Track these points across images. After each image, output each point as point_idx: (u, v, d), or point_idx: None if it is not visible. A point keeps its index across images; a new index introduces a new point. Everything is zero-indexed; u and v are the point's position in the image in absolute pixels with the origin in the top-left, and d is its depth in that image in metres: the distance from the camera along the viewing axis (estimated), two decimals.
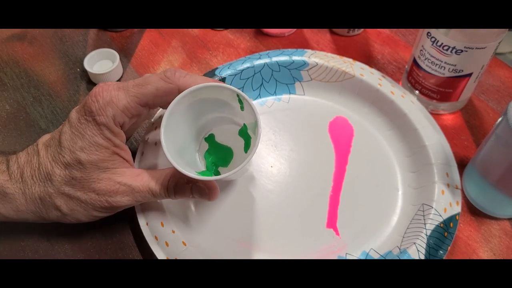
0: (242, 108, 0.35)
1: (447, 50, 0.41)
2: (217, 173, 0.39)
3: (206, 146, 0.40)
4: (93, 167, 0.34)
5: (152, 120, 0.45)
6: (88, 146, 0.34)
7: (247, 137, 0.39)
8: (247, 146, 0.39)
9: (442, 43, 0.41)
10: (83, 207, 0.35)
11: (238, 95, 0.34)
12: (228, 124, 0.39)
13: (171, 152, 0.33)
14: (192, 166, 0.38)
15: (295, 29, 0.57)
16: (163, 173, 0.36)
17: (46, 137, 0.37)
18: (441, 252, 0.36)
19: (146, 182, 0.35)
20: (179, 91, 0.34)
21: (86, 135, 0.34)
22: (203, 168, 0.40)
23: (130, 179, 0.35)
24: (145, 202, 0.38)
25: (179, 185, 0.35)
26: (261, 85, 0.48)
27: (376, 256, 0.38)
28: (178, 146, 0.36)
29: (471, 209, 0.42)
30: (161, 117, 0.44)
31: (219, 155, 0.40)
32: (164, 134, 0.33)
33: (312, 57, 0.48)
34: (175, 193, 0.36)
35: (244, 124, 0.38)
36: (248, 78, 0.47)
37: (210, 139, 0.40)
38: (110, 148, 0.35)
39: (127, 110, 0.34)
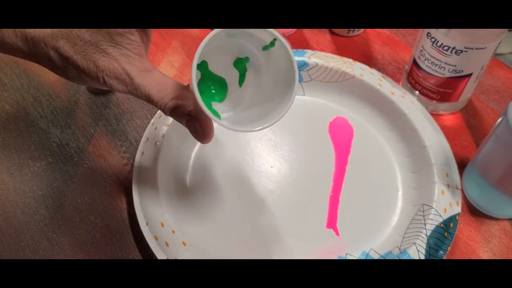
0: (266, 47, 0.32)
1: (447, 50, 0.41)
2: (212, 108, 0.34)
3: (198, 74, 0.34)
4: (106, 35, 0.30)
5: (152, 120, 0.45)
6: None
7: (243, 69, 0.35)
8: (241, 79, 0.35)
9: (442, 44, 0.41)
10: (77, 70, 0.31)
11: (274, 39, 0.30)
12: (224, 52, 0.34)
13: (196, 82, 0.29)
14: None
15: (295, 29, 0.57)
16: (169, 86, 0.32)
17: None
18: (441, 252, 0.36)
19: (149, 86, 0.31)
20: None
21: None
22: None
23: (137, 72, 0.31)
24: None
25: (178, 111, 0.32)
26: None
27: (376, 256, 0.38)
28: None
29: (471, 209, 0.42)
30: (161, 118, 0.44)
31: (212, 86, 0.35)
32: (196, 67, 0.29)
33: (312, 57, 0.48)
34: (170, 114, 0.32)
35: (246, 57, 0.34)
36: None
37: (203, 67, 0.35)
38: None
39: None
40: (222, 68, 0.34)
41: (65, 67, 0.31)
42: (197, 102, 0.29)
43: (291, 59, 0.30)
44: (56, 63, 0.31)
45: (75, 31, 0.30)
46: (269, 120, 0.31)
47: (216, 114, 0.32)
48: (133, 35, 0.31)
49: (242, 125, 0.31)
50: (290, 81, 0.31)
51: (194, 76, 0.29)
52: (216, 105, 0.34)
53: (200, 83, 0.34)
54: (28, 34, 0.30)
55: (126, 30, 0.30)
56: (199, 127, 0.32)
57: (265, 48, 0.32)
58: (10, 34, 0.31)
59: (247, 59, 0.34)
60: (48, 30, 0.30)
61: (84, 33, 0.30)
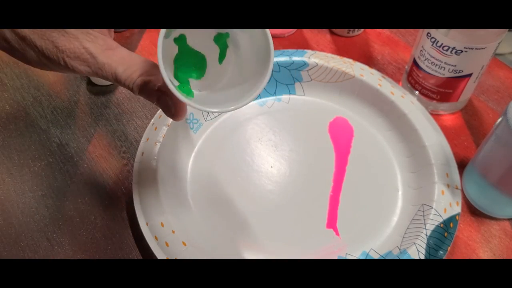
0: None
1: (447, 50, 0.41)
2: (188, 85, 0.33)
3: (175, 49, 0.32)
4: None
5: (152, 120, 0.45)
6: None
7: (223, 45, 0.33)
8: (222, 56, 0.33)
9: (442, 44, 0.41)
10: (35, 52, 0.29)
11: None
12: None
13: (164, 61, 0.27)
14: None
15: (295, 30, 0.57)
16: (135, 63, 0.30)
17: None
18: (441, 252, 0.36)
19: (115, 64, 0.29)
20: None
21: None
22: (172, 78, 0.32)
23: (99, 51, 0.29)
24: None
25: (147, 88, 0.30)
26: None
27: (376, 256, 0.38)
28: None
29: (471, 210, 0.42)
30: (161, 118, 0.44)
31: (190, 62, 0.33)
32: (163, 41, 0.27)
33: (312, 57, 0.48)
34: (139, 92, 0.30)
35: (226, 32, 0.32)
36: None
37: (180, 41, 0.32)
38: None
39: None
40: (202, 43, 0.32)
41: (23, 49, 0.29)
42: (163, 78, 0.27)
43: (268, 39, 0.29)
44: (13, 45, 0.29)
45: None
46: (242, 101, 0.29)
47: (188, 92, 0.31)
48: None
49: (216, 105, 0.30)
50: (266, 61, 0.29)
51: (160, 48, 0.27)
52: (193, 82, 0.32)
53: (177, 59, 0.32)
54: None
55: None
56: (170, 102, 0.30)
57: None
58: None
59: (227, 34, 0.32)
60: None
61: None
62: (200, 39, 0.32)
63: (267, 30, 0.29)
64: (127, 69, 0.30)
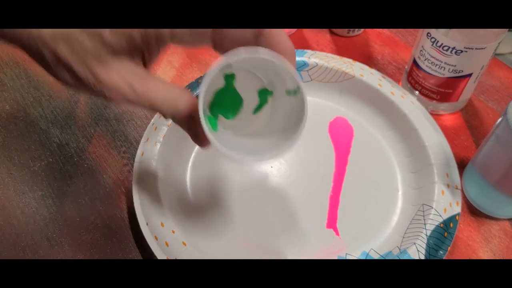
0: (289, 93, 0.32)
1: (447, 50, 0.41)
2: (216, 120, 0.33)
3: (220, 83, 0.33)
4: (109, 47, 0.28)
5: (152, 120, 0.45)
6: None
7: (263, 100, 0.34)
8: (258, 108, 0.34)
9: (442, 44, 0.41)
10: (71, 76, 0.29)
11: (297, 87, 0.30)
12: (253, 75, 0.33)
13: (207, 89, 0.28)
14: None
15: (295, 30, 0.57)
16: (171, 94, 0.30)
17: None
18: (441, 252, 0.36)
19: (150, 94, 0.30)
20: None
21: None
22: (207, 108, 0.33)
23: (138, 84, 0.30)
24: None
25: (179, 116, 0.31)
26: None
27: (376, 256, 0.38)
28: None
29: (471, 209, 0.42)
30: (161, 118, 0.44)
31: (228, 101, 0.34)
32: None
33: (312, 57, 0.48)
34: (173, 119, 0.31)
35: (271, 90, 0.33)
36: None
37: (230, 79, 0.33)
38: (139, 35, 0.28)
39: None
40: (246, 89, 0.33)
41: (59, 70, 0.29)
42: (198, 104, 0.28)
43: (304, 112, 0.30)
44: (48, 64, 0.29)
45: (76, 35, 0.28)
46: (261, 157, 0.30)
47: (214, 125, 0.32)
48: (135, 54, 0.29)
49: (235, 150, 0.30)
50: (296, 130, 0.30)
51: (208, 78, 0.28)
52: (221, 119, 0.33)
53: (218, 93, 0.33)
54: (25, 30, 0.28)
55: (129, 49, 0.29)
56: (200, 131, 0.30)
57: (288, 93, 0.31)
58: None
59: (271, 93, 0.33)
60: (49, 30, 0.28)
61: (85, 39, 0.28)
62: (247, 85, 0.33)
63: (305, 95, 0.29)
64: (162, 99, 0.30)
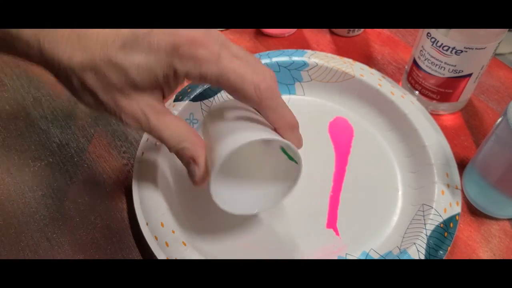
0: (290, 158, 0.35)
1: (447, 50, 0.41)
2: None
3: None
4: (132, 85, 0.31)
5: None
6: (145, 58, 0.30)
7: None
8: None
9: (442, 44, 0.41)
10: (95, 100, 0.32)
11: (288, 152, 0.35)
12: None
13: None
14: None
15: (295, 30, 0.57)
16: (181, 131, 0.34)
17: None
18: (441, 252, 0.36)
19: (163, 127, 0.33)
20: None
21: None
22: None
23: (153, 116, 0.33)
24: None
25: (183, 153, 0.34)
26: None
27: (376, 256, 0.38)
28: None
29: (471, 209, 0.42)
30: None
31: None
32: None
33: (312, 57, 0.48)
34: (177, 155, 0.34)
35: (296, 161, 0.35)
36: None
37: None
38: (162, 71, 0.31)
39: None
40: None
41: (85, 95, 0.32)
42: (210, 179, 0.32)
43: (296, 179, 0.34)
44: (75, 89, 0.32)
45: (103, 69, 0.30)
46: (249, 210, 0.36)
47: None
48: (156, 90, 0.32)
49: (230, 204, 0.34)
50: (285, 193, 0.35)
51: (227, 155, 0.31)
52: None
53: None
54: (56, 58, 0.30)
55: (151, 86, 0.31)
56: (198, 172, 0.34)
57: (289, 158, 0.35)
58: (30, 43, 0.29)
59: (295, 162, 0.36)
60: (78, 60, 0.30)
61: (112, 74, 0.30)
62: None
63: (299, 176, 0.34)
64: (172, 134, 0.33)
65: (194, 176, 0.34)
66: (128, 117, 0.32)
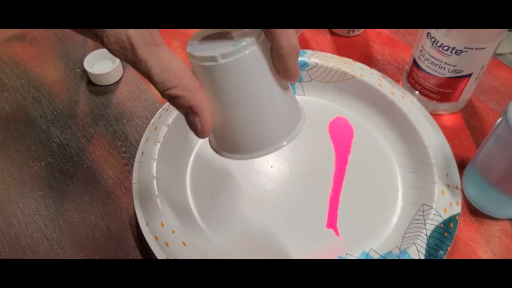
0: None
1: (447, 50, 0.41)
2: None
3: None
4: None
5: (152, 120, 0.45)
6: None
7: None
8: None
9: (442, 44, 0.41)
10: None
11: None
12: None
13: None
14: None
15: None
16: (174, 70, 0.28)
17: None
18: (441, 252, 0.36)
19: (152, 62, 0.27)
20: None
21: None
22: None
23: (141, 44, 0.27)
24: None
25: (177, 101, 0.28)
26: None
27: (376, 256, 0.38)
28: None
29: (471, 210, 0.42)
30: (161, 118, 0.44)
31: None
32: None
33: (312, 57, 0.48)
34: (169, 101, 0.29)
35: None
36: None
37: None
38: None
39: None
40: None
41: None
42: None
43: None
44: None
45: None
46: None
47: None
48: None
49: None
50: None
51: None
52: None
53: None
54: None
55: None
56: (198, 123, 0.29)
57: None
58: None
59: None
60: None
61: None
62: None
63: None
64: (163, 72, 0.27)
65: (197, 129, 0.29)
66: (112, 43, 0.27)
